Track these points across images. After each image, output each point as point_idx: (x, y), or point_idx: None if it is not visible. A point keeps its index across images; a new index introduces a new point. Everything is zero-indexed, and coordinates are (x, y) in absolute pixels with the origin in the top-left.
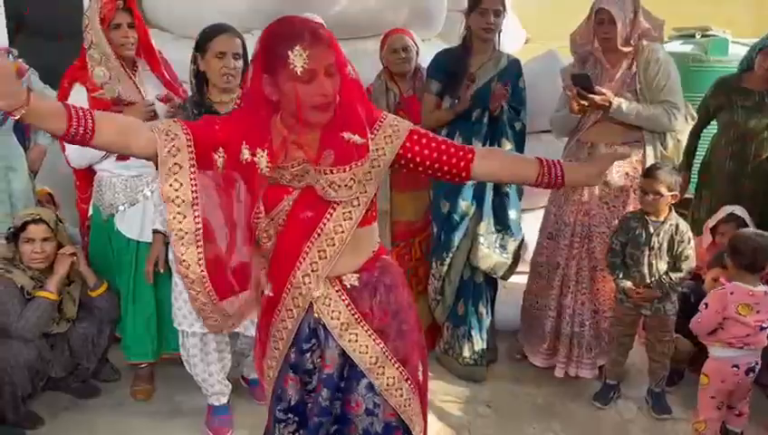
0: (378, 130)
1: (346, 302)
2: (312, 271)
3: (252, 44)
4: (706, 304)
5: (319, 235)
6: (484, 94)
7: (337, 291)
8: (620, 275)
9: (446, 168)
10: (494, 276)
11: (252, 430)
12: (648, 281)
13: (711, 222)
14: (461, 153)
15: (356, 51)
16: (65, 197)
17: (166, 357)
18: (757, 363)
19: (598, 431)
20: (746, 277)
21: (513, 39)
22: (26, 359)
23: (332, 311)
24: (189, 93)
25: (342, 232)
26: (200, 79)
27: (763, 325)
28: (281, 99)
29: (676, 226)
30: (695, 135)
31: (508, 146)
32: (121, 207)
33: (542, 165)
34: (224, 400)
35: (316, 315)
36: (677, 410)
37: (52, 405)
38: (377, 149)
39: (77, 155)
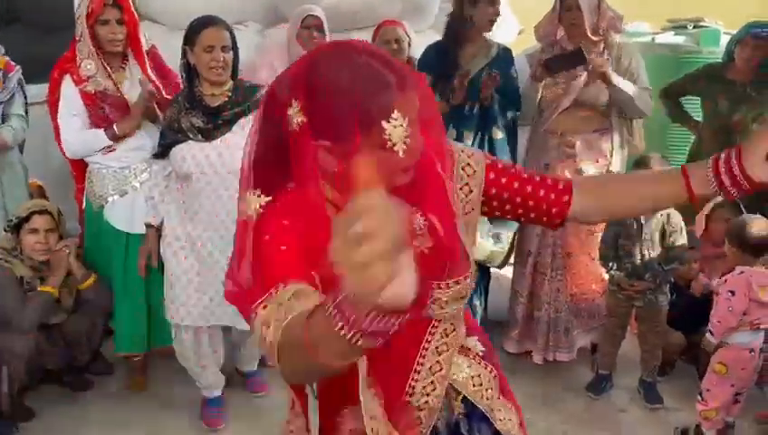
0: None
1: (492, 372)
2: (433, 373)
3: (244, 37)
4: (732, 292)
5: (428, 346)
6: (476, 85)
7: (479, 363)
8: (613, 268)
9: (532, 212)
10: (490, 266)
11: (246, 421)
12: (641, 272)
13: (705, 209)
14: (554, 192)
15: None
16: (56, 190)
17: (159, 350)
18: (766, 343)
19: (591, 421)
20: (751, 263)
21: (506, 30)
22: (25, 351)
23: (484, 389)
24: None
25: (455, 331)
26: (190, 72)
27: None
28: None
29: (668, 215)
30: (673, 94)
31: (500, 135)
32: (111, 199)
33: (690, 173)
34: (217, 392)
35: (457, 411)
36: (669, 400)
37: (45, 398)
38: (461, 187)
39: (73, 145)
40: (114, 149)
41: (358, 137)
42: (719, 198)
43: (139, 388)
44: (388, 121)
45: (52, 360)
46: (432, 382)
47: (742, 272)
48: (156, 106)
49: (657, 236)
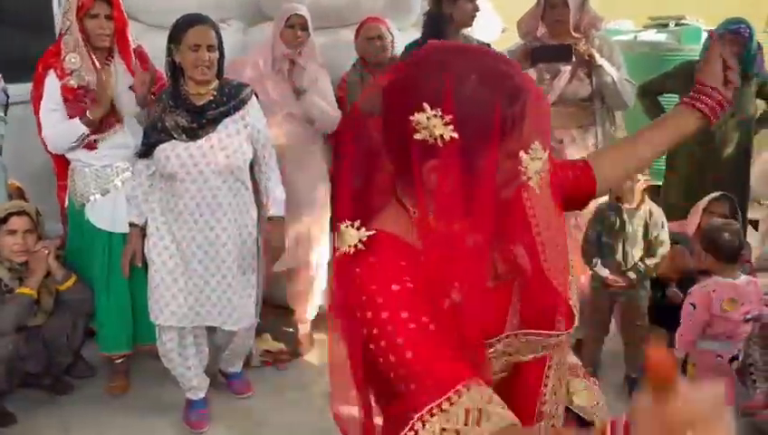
0: None
1: (596, 384)
2: (554, 393)
3: (227, 35)
4: (694, 305)
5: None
6: None
7: (588, 379)
8: (597, 264)
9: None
10: None
11: (229, 424)
12: (624, 268)
13: (701, 204)
14: (579, 170)
15: (334, 40)
16: (37, 190)
17: (142, 349)
18: (740, 351)
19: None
20: (727, 269)
21: (488, 28)
22: (3, 354)
23: (598, 405)
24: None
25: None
26: (176, 71)
27: (748, 316)
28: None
29: (650, 211)
30: (651, 92)
31: None
32: (92, 198)
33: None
34: (201, 394)
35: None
36: None
37: (26, 402)
38: None
39: (55, 139)
40: (96, 148)
41: (496, 160)
42: (716, 193)
43: (121, 390)
44: (527, 152)
45: (32, 363)
46: (556, 406)
47: (705, 285)
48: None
49: (640, 232)
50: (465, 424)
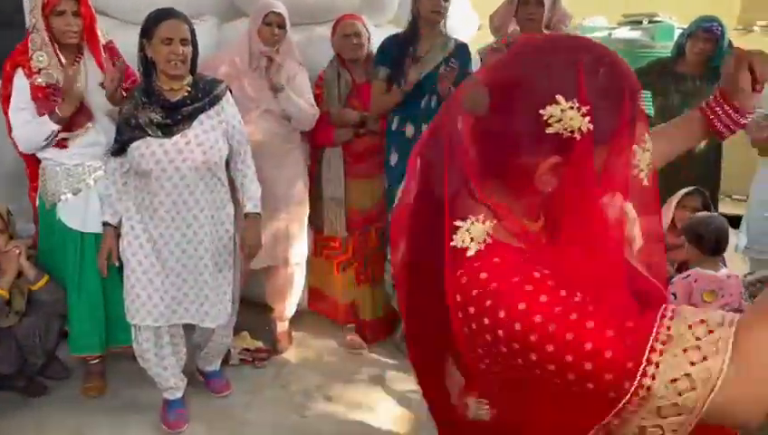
0: None
1: None
2: None
3: (201, 32)
4: (674, 295)
5: None
6: (433, 79)
7: None
8: None
9: None
10: None
11: (208, 423)
12: None
13: (675, 198)
14: None
15: (311, 37)
16: (9, 190)
17: (116, 351)
18: None
19: None
20: (709, 262)
21: (465, 25)
22: None
23: None
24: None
25: None
26: (148, 66)
27: (726, 309)
28: None
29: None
30: None
31: None
32: (64, 197)
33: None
34: (179, 394)
35: None
36: None
37: None
38: None
39: (25, 139)
40: (67, 146)
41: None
42: (689, 188)
43: (97, 392)
44: (639, 145)
45: (5, 364)
46: None
47: (687, 275)
48: (121, 89)
49: None
50: (698, 339)
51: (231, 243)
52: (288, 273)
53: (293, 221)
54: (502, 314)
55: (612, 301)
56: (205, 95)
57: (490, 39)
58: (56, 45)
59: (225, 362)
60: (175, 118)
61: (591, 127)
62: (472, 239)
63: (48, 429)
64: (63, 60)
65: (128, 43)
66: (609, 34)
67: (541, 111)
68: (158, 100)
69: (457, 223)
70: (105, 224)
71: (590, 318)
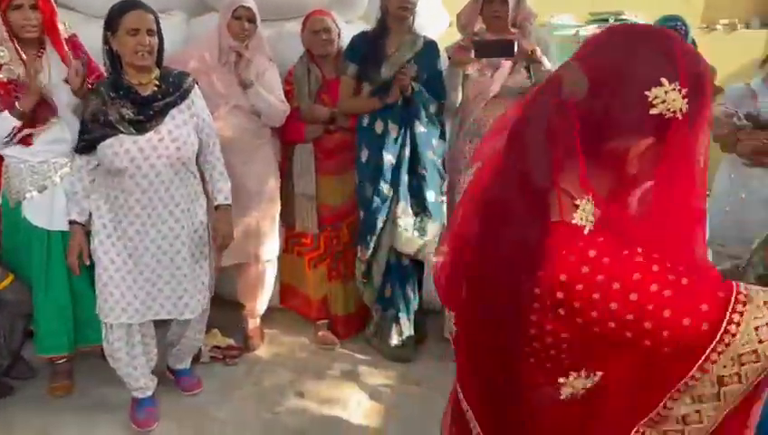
0: None
1: None
2: None
3: (170, 26)
4: None
5: None
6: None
7: None
8: None
9: None
10: (418, 259)
11: (178, 421)
12: None
13: None
14: None
15: (280, 32)
16: None
17: (83, 350)
18: None
19: None
20: None
21: (435, 22)
22: None
23: None
24: (104, 76)
25: None
26: (114, 59)
27: None
28: None
29: None
30: None
31: (422, 129)
32: (28, 195)
33: None
34: (149, 392)
35: None
36: None
37: None
38: None
39: None
40: (31, 143)
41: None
42: None
43: (64, 391)
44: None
45: None
46: None
47: None
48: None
49: None
50: None
51: (206, 233)
52: (259, 270)
53: (264, 218)
54: (616, 286)
55: (702, 269)
56: (175, 89)
57: (459, 37)
58: (16, 40)
59: (196, 360)
60: (147, 114)
61: (688, 107)
62: (586, 218)
63: (14, 429)
64: (24, 55)
65: (92, 37)
66: (576, 32)
67: (646, 93)
68: (128, 94)
69: (577, 202)
70: (72, 222)
71: (694, 286)
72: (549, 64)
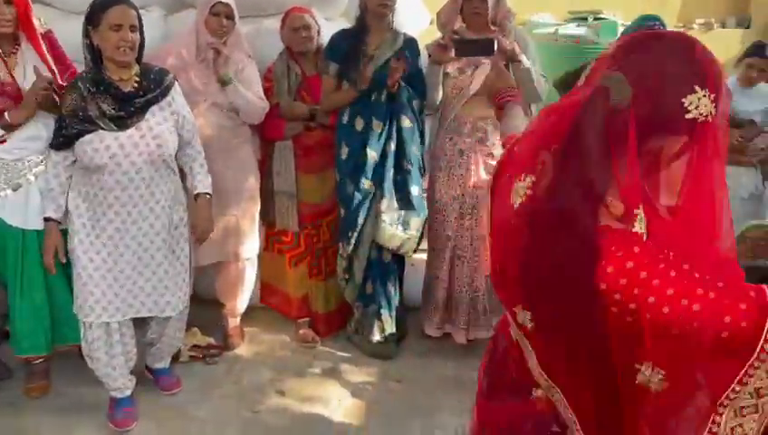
0: None
1: None
2: None
3: (147, 22)
4: None
5: None
6: (382, 74)
7: None
8: None
9: None
10: (401, 254)
11: (157, 421)
12: None
13: None
14: None
15: (259, 29)
16: None
17: (60, 350)
18: None
19: None
20: None
21: (415, 20)
22: None
23: None
24: (80, 72)
25: None
26: (95, 54)
27: None
28: None
29: None
30: (568, 85)
31: (408, 124)
32: (3, 193)
33: None
34: (127, 392)
35: None
36: None
37: None
38: None
39: None
40: (5, 141)
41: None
42: None
43: (41, 392)
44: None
45: None
46: None
47: None
48: (54, 94)
49: None
50: None
51: (186, 230)
52: (239, 268)
53: (244, 216)
54: (651, 300)
55: (733, 277)
56: (156, 86)
57: (439, 35)
58: None
59: (175, 359)
60: (128, 110)
61: (715, 110)
62: (641, 227)
63: None
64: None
65: (68, 33)
66: (556, 30)
67: (683, 100)
68: (109, 90)
69: (636, 211)
70: (47, 219)
71: (724, 296)
72: (528, 63)
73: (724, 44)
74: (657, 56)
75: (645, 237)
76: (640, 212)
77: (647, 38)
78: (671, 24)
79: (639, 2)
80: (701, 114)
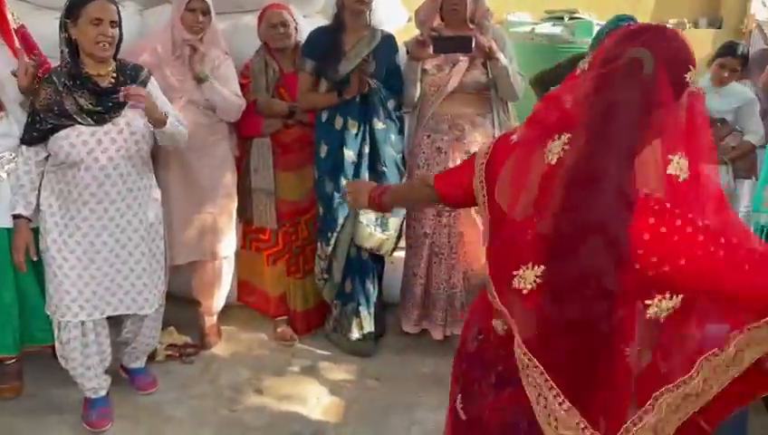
0: None
1: None
2: None
3: (124, 18)
4: None
5: None
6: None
7: None
8: None
9: None
10: (380, 254)
11: (133, 421)
12: None
13: None
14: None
15: (237, 25)
16: None
17: (30, 351)
18: None
19: None
20: None
21: (393, 18)
22: None
23: None
24: (54, 66)
25: None
26: (72, 48)
27: None
28: None
29: None
30: (544, 83)
31: (380, 126)
32: None
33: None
34: (102, 392)
35: None
36: None
37: None
38: None
39: None
40: None
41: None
42: None
43: (14, 393)
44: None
45: None
46: None
47: None
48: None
49: None
50: None
51: (161, 227)
52: (216, 267)
53: (221, 214)
54: (682, 262)
55: (749, 241)
56: (133, 81)
57: (417, 33)
58: None
59: (152, 358)
60: (106, 105)
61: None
62: (681, 169)
63: None
64: None
65: (42, 27)
66: (533, 29)
67: (685, 75)
68: (86, 85)
69: (671, 156)
70: (17, 216)
71: (745, 261)
72: (505, 61)
73: (696, 44)
74: (667, 38)
75: (683, 178)
76: (677, 158)
77: (646, 27)
78: None
79: (614, 2)
80: (695, 86)
